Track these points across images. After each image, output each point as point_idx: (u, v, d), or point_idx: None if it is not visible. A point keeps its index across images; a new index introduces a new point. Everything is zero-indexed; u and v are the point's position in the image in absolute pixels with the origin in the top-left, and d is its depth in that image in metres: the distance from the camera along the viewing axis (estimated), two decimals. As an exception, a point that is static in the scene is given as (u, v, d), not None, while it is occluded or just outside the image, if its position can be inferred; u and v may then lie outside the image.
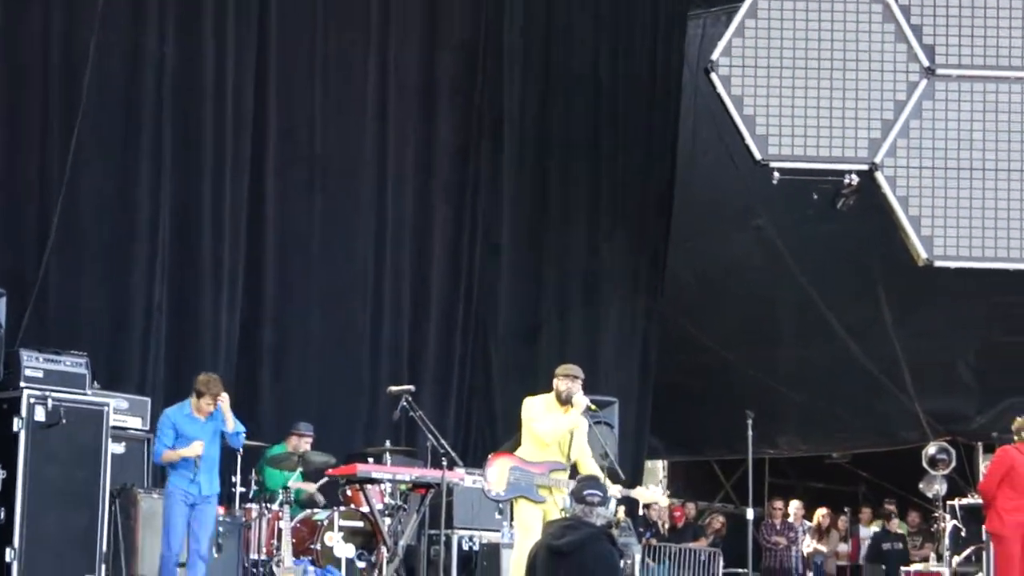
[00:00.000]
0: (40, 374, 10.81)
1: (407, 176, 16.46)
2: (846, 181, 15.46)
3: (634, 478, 15.94)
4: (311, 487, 13.08)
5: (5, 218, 13.04)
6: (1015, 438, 13.19)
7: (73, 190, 13.23)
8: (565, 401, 11.10)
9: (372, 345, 15.92)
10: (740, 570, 17.76)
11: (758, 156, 15.39)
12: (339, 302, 15.74)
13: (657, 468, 23.24)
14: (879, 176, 15.37)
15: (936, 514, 16.15)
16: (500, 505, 14.61)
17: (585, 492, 8.65)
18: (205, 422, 10.74)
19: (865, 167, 15.39)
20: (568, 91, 18.14)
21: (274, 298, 15.11)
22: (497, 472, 10.93)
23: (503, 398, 16.47)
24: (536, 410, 11.06)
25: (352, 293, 15.85)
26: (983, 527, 13.75)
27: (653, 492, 11.61)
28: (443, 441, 11.44)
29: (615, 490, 10.75)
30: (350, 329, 15.80)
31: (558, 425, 10.95)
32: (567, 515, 8.72)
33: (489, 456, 11.13)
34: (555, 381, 11.21)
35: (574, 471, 10.86)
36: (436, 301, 16.76)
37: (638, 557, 11.66)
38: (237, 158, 14.65)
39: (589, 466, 11.01)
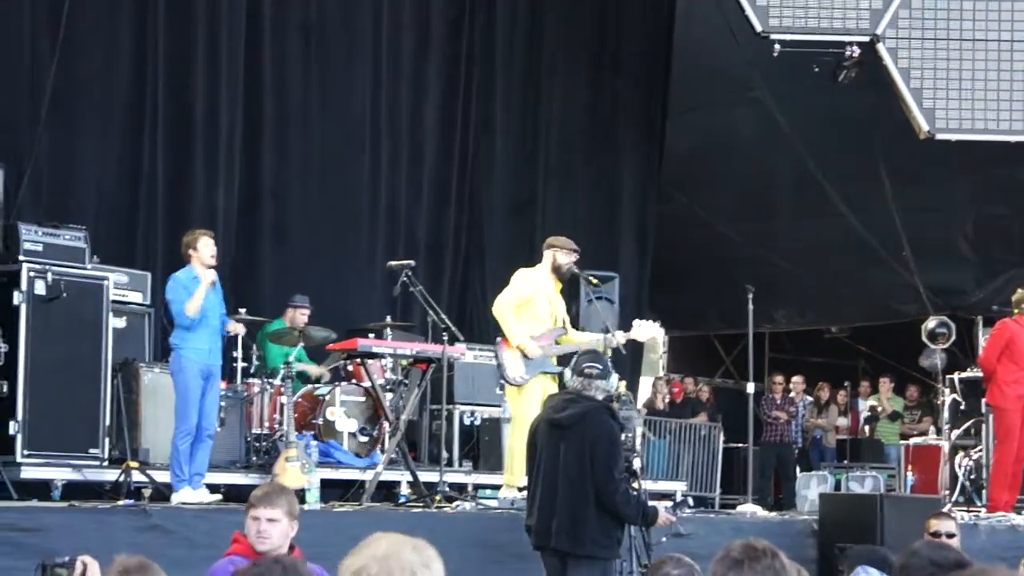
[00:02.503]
0: (39, 248, 10.69)
1: (401, 46, 16.27)
2: (847, 53, 15.32)
3: (632, 353, 15.98)
4: (315, 369, 13.04)
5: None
6: (1015, 311, 13.21)
7: (66, 61, 13.05)
8: (562, 276, 11.06)
9: (370, 219, 15.85)
10: (740, 444, 17.89)
11: (759, 27, 15.21)
12: (334, 176, 15.63)
13: (656, 344, 23.31)
14: (881, 48, 15.22)
15: (936, 388, 16.21)
16: (501, 380, 14.70)
17: (584, 365, 8.65)
18: (210, 289, 10.56)
19: (867, 39, 15.23)
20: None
21: (270, 170, 14.98)
22: (511, 356, 10.91)
23: (497, 270, 16.35)
24: (532, 285, 10.96)
25: (346, 166, 15.73)
26: (983, 400, 13.84)
27: (649, 327, 11.34)
28: (444, 316, 11.40)
29: (619, 337, 10.90)
30: (345, 204, 15.70)
31: (558, 305, 11.02)
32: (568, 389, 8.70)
33: (498, 341, 11.00)
34: (554, 253, 11.10)
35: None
36: (429, 172, 16.66)
37: (639, 431, 11.66)
38: (232, 27, 14.46)
39: (576, 336, 11.10)
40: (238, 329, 11.04)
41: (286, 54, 15.16)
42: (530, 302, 10.94)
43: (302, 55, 15.31)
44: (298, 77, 15.29)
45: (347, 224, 15.72)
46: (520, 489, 11.25)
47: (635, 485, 8.85)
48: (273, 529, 6.43)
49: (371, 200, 15.91)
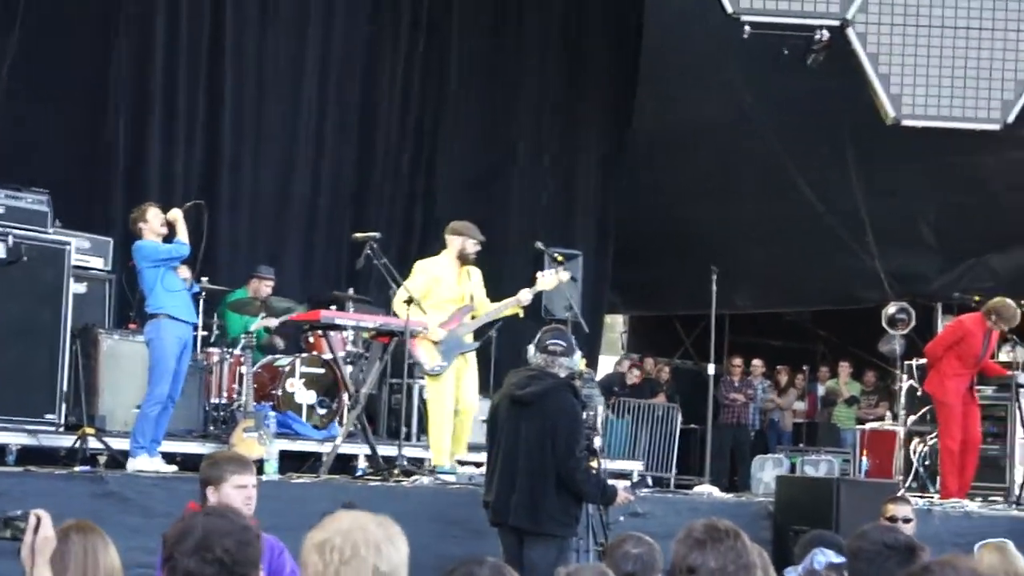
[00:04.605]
0: (1, 210, 10.64)
1: (358, 14, 16.14)
2: (817, 37, 15.31)
3: (592, 332, 15.98)
4: (272, 322, 12.93)
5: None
6: (992, 318, 13.16)
7: (28, 28, 12.91)
8: (467, 262, 11.36)
9: (329, 192, 15.76)
10: (697, 426, 17.95)
11: (729, 9, 15.17)
12: (289, 147, 15.53)
13: (617, 323, 23.35)
14: (850, 32, 15.23)
15: (893, 373, 16.28)
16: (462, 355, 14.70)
17: (548, 342, 8.63)
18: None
19: (836, 23, 15.24)
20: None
21: (228, 140, 14.84)
22: (423, 348, 11.21)
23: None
24: (427, 277, 11.25)
25: (303, 138, 15.62)
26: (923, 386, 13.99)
27: (551, 275, 11.60)
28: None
29: (526, 294, 11.37)
30: (301, 176, 15.60)
31: (463, 290, 11.34)
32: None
33: (409, 342, 11.13)
34: (463, 241, 11.36)
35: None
36: (386, 145, 16.56)
37: (600, 409, 11.66)
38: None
39: (488, 306, 11.48)
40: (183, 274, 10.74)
41: (244, 23, 15.01)
42: (429, 293, 11.19)
43: (259, 24, 15.16)
44: (255, 48, 15.13)
45: (303, 195, 15.61)
46: (477, 465, 11.34)
47: (594, 464, 8.86)
48: (254, 495, 6.42)
49: (332, 173, 15.80)
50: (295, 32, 15.55)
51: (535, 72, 17.99)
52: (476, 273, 11.59)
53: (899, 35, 15.28)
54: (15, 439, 10.24)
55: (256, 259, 14.17)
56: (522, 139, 17.85)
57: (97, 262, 12.12)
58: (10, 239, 10.43)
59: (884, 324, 16.23)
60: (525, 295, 11.44)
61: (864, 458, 15.68)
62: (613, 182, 18.76)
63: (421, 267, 11.39)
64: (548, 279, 11.60)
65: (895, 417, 16.12)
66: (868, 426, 16.69)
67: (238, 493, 6.35)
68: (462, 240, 11.38)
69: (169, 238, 10.33)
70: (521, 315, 11.96)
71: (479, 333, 14.83)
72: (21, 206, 10.79)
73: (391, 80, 16.57)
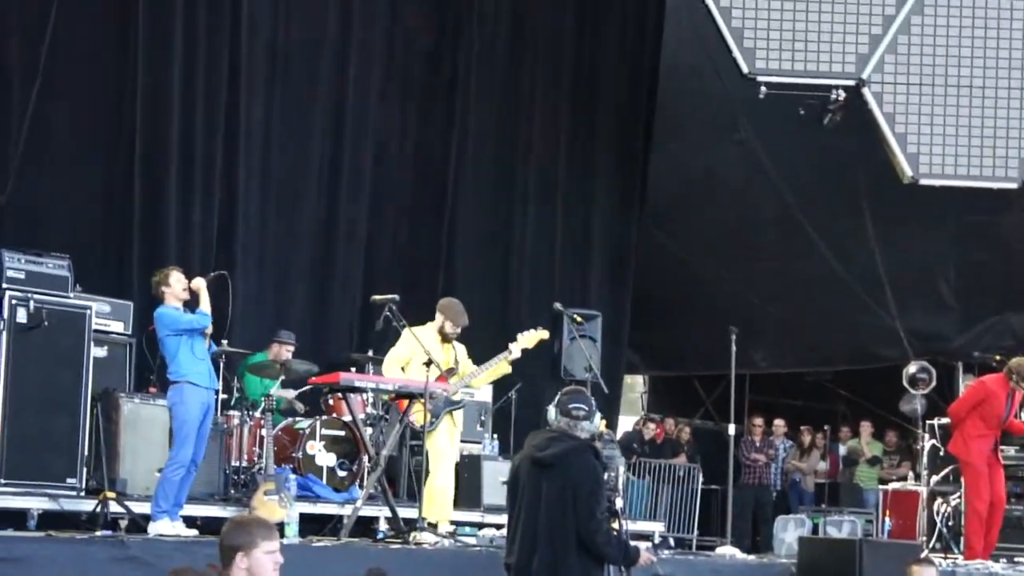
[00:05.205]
0: (22, 275, 10.60)
1: (373, 68, 16.13)
2: (833, 96, 15.41)
3: (612, 392, 15.93)
4: (290, 393, 13.01)
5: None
6: (1013, 378, 13.11)
7: (45, 91, 12.98)
8: (445, 339, 11.76)
9: (344, 249, 15.74)
10: (718, 486, 17.87)
11: (745, 69, 15.32)
12: (306, 204, 15.53)
13: (636, 383, 23.31)
14: (866, 92, 15.33)
15: (915, 433, 16.21)
16: (482, 417, 14.71)
17: (571, 405, 8.60)
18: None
19: (852, 82, 15.33)
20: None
21: (246, 200, 14.84)
22: (414, 408, 11.38)
23: (471, 299, 16.12)
24: (411, 346, 11.51)
25: (319, 194, 15.61)
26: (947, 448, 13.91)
27: (533, 333, 12.00)
28: (428, 348, 11.36)
29: (514, 351, 11.79)
30: (317, 234, 15.60)
31: (448, 356, 11.74)
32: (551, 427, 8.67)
33: (397, 403, 11.54)
34: (443, 321, 11.75)
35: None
36: (402, 202, 16.58)
37: (622, 470, 11.62)
38: (209, 59, 14.37)
39: (472, 368, 11.87)
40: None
41: (262, 86, 15.03)
42: (411, 360, 11.53)
43: (272, 81, 15.16)
44: (270, 107, 15.13)
45: (320, 254, 15.61)
46: (498, 527, 11.34)
47: (615, 525, 8.81)
48: (281, 560, 6.40)
49: (347, 229, 15.78)
50: (307, 87, 15.55)
51: (549, 126, 17.95)
52: (460, 347, 11.98)
53: (915, 94, 15.37)
54: (36, 503, 10.22)
55: (269, 319, 14.16)
56: (536, 195, 17.76)
57: (117, 326, 12.12)
58: (31, 304, 10.45)
59: (905, 384, 16.19)
60: (515, 351, 11.82)
61: (887, 518, 15.58)
62: (628, 241, 18.69)
63: (406, 335, 11.59)
64: (529, 338, 11.96)
65: (917, 477, 16.02)
66: (891, 486, 16.57)
67: (268, 558, 6.31)
68: (443, 320, 11.77)
69: (191, 305, 10.36)
70: (509, 371, 12.18)
71: (498, 396, 14.90)
72: (42, 271, 10.80)
73: (403, 134, 16.59)
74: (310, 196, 15.55)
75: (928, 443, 15.22)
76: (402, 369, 11.60)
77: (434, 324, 11.79)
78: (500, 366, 11.94)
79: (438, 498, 11.45)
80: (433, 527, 11.21)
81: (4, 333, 10.32)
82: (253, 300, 14.73)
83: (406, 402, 11.48)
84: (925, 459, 15.21)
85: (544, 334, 12.26)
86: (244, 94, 14.72)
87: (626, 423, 20.27)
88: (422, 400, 11.10)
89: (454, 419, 11.86)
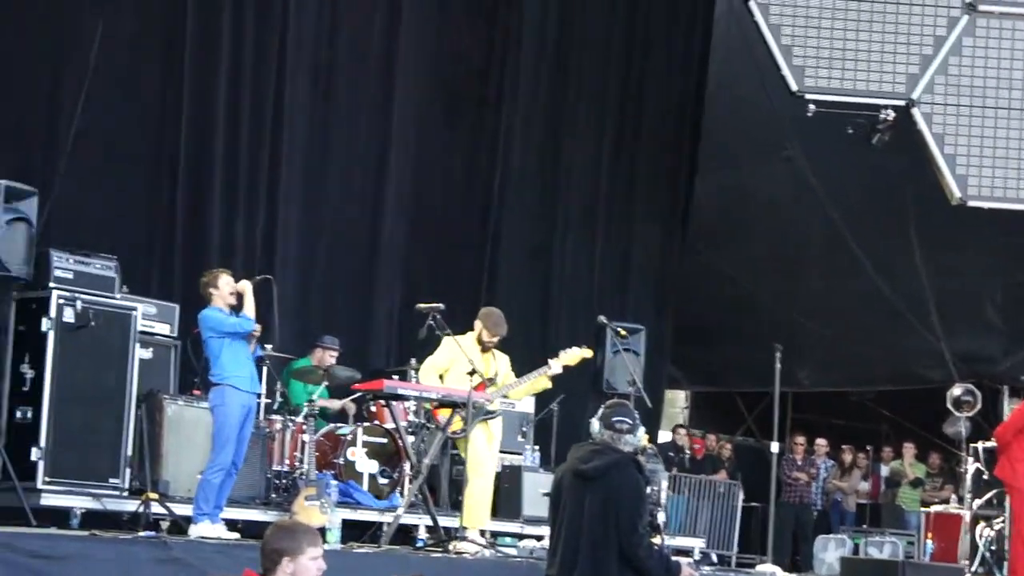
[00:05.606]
0: (70, 275, 10.67)
1: (420, 88, 16.15)
2: (882, 116, 15.33)
3: (653, 406, 15.88)
4: (336, 403, 13.03)
5: (20, 119, 12.83)
6: None
7: (92, 95, 13.03)
8: (484, 348, 11.77)
9: (386, 261, 15.75)
10: (758, 503, 17.79)
11: (794, 87, 15.25)
12: (351, 214, 15.57)
13: (678, 398, 23.25)
14: (915, 112, 15.25)
15: (959, 456, 16.10)
16: (523, 428, 14.69)
17: (614, 419, 8.56)
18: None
19: (902, 103, 15.26)
20: (591, 9, 17.82)
21: (288, 205, 14.87)
22: (446, 415, 11.51)
23: (512, 316, 16.14)
24: (450, 354, 11.57)
25: (364, 205, 15.67)
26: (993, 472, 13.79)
27: (576, 351, 12.02)
28: (471, 357, 11.36)
29: (555, 367, 11.77)
30: (361, 245, 15.64)
31: (487, 367, 11.70)
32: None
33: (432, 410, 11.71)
34: (481, 329, 11.77)
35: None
36: (448, 219, 16.58)
37: (664, 484, 11.63)
38: (256, 69, 14.41)
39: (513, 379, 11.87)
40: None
41: (304, 91, 15.03)
42: (450, 369, 11.61)
43: (318, 94, 15.20)
44: (315, 119, 15.17)
45: (362, 265, 15.64)
46: (538, 538, 11.32)
47: (656, 540, 8.78)
48: (324, 567, 6.41)
49: (389, 241, 15.80)
50: (354, 101, 15.58)
51: (593, 144, 17.94)
52: (503, 357, 12.00)
53: (965, 116, 15.28)
54: (79, 503, 10.28)
55: (311, 325, 14.17)
56: (578, 211, 17.77)
57: (163, 328, 12.15)
58: (78, 304, 10.51)
59: (949, 406, 16.08)
60: (555, 367, 11.83)
61: (929, 541, 15.50)
62: (672, 256, 18.65)
63: (447, 343, 11.62)
64: (572, 354, 11.97)
65: (960, 500, 15.92)
66: (933, 509, 16.48)
67: (313, 564, 6.34)
68: (480, 327, 11.80)
69: (237, 308, 10.41)
70: (549, 386, 12.21)
71: (540, 407, 14.88)
72: (90, 271, 10.86)
73: (447, 150, 16.61)
74: (353, 206, 15.59)
75: (972, 466, 15.12)
76: (440, 377, 11.61)
77: (473, 333, 11.81)
78: (539, 380, 11.94)
79: (470, 505, 11.41)
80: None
81: (51, 332, 10.37)
82: (295, 306, 14.75)
83: (447, 411, 11.49)
84: (969, 482, 15.11)
85: (588, 353, 12.26)
86: (288, 106, 14.75)
87: (666, 438, 20.21)
88: (461, 409, 11.10)
89: (490, 428, 11.82)
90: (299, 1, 14.84)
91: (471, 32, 16.83)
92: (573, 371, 12.34)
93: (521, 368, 12.10)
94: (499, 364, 11.91)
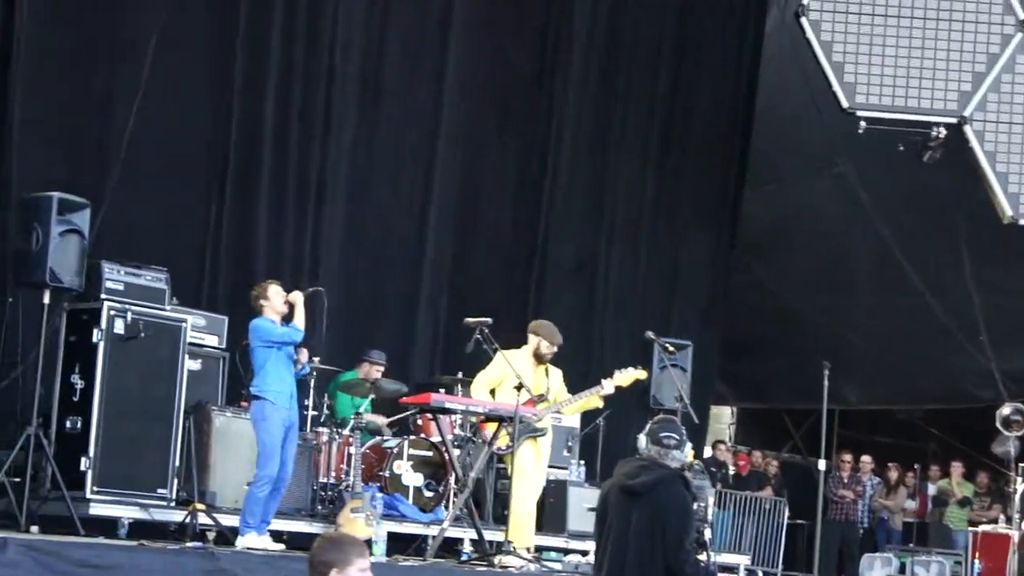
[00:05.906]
0: (121, 287, 10.75)
1: (471, 100, 16.16)
2: (933, 134, 15.26)
3: (700, 422, 15.84)
4: (381, 420, 13.06)
5: (72, 132, 12.90)
6: None
7: (142, 109, 13.09)
8: (540, 360, 11.76)
9: (431, 273, 15.77)
10: (803, 520, 17.72)
11: (845, 104, 15.22)
12: (399, 228, 15.60)
13: (724, 414, 23.18)
14: (967, 130, 15.18)
15: (1007, 476, 16.00)
16: (569, 443, 14.67)
17: (662, 434, 8.55)
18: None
19: (954, 120, 15.19)
20: (641, 21, 17.79)
21: (340, 217, 14.88)
22: (492, 429, 11.55)
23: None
24: (503, 368, 11.53)
25: (411, 219, 15.69)
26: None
27: (631, 371, 12.08)
28: (521, 372, 11.35)
29: (608, 386, 11.81)
30: (409, 258, 15.65)
31: (539, 383, 11.69)
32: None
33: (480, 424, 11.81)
34: (539, 341, 11.73)
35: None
36: (494, 232, 16.58)
37: (711, 500, 11.59)
38: (307, 75, 14.48)
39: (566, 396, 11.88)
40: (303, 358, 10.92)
41: (350, 106, 15.05)
42: (502, 383, 11.58)
43: (366, 107, 15.21)
44: (363, 132, 15.15)
45: (408, 278, 15.65)
46: (583, 553, 11.31)
47: (703, 556, 8.77)
48: None
49: (435, 255, 15.81)
50: (402, 112, 15.60)
51: (641, 157, 17.89)
52: (556, 372, 11.96)
53: (1018, 134, 15.22)
54: (127, 512, 10.34)
55: (357, 339, 14.19)
56: (625, 226, 17.73)
57: (212, 340, 12.22)
58: (129, 315, 10.58)
59: (998, 425, 15.98)
60: (608, 387, 11.84)
61: (977, 561, 15.39)
62: (720, 271, 18.58)
63: (499, 357, 11.60)
64: (627, 375, 12.01)
65: (1008, 520, 15.81)
66: (981, 528, 16.37)
67: None
68: (538, 340, 11.75)
69: (287, 319, 10.46)
70: (600, 405, 12.23)
71: (586, 422, 14.86)
72: (140, 283, 10.93)
73: (496, 164, 16.61)
74: (400, 220, 15.60)
75: (1020, 486, 15.02)
76: (491, 392, 11.60)
77: (528, 347, 11.77)
78: (591, 399, 11.96)
79: (515, 522, 11.40)
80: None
81: (102, 343, 10.44)
82: (340, 317, 14.77)
83: (493, 425, 11.50)
84: (1017, 502, 15.01)
85: (642, 374, 12.29)
86: (336, 120, 14.77)
87: (707, 454, 20.14)
88: (508, 424, 11.11)
89: (539, 446, 11.80)
90: (348, 12, 14.86)
91: (521, 42, 16.83)
92: (623, 388, 12.33)
93: (567, 382, 12.09)
94: (552, 380, 11.89)
